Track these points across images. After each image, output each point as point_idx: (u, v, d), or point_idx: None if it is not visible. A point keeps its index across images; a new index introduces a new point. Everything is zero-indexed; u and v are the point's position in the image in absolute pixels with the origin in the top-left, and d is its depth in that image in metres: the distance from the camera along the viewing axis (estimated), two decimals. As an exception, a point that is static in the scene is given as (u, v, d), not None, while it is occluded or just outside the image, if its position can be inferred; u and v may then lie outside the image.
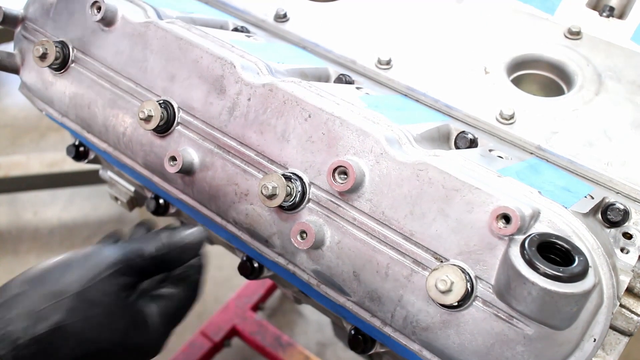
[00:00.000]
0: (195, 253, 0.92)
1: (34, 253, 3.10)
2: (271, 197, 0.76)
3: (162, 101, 0.90)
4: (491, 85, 1.03)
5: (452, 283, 0.66)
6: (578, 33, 1.09)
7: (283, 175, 0.78)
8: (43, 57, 0.99)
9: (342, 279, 0.78)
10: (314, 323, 2.83)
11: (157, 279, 0.94)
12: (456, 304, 0.66)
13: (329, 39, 1.14)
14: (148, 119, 0.88)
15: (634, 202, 0.85)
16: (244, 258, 1.10)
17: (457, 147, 0.96)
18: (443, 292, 0.65)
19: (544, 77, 1.09)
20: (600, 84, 1.01)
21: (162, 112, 0.89)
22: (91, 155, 1.32)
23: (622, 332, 0.79)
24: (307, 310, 2.85)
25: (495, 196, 0.67)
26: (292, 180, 0.78)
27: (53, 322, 0.75)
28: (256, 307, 2.67)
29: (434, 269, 0.68)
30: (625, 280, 0.73)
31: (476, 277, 0.67)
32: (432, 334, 0.71)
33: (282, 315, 2.87)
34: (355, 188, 0.75)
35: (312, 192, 0.79)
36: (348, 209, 0.76)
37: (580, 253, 0.61)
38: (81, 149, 1.30)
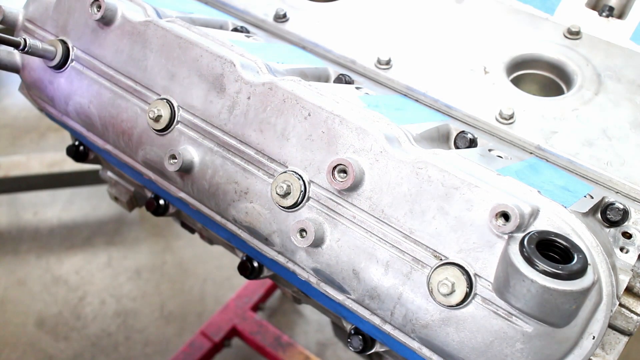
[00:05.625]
0: None
1: (34, 253, 3.10)
2: (285, 195, 0.78)
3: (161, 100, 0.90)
4: (491, 85, 1.03)
5: (453, 284, 0.66)
6: (577, 33, 1.09)
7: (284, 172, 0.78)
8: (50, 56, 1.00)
9: (341, 277, 0.78)
10: (314, 323, 2.84)
11: None
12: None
13: (329, 39, 1.14)
14: (157, 118, 0.89)
15: (633, 202, 0.85)
16: (244, 258, 1.11)
17: (456, 147, 0.96)
18: (445, 295, 0.66)
19: (544, 77, 1.09)
20: (600, 83, 1.01)
21: (162, 111, 0.89)
22: (91, 156, 1.32)
23: (622, 332, 0.79)
24: (307, 310, 2.85)
25: (495, 194, 0.67)
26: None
27: None
28: (256, 307, 2.68)
29: (434, 270, 0.68)
30: (624, 279, 0.73)
31: (475, 274, 0.67)
32: (432, 331, 0.71)
33: (282, 315, 2.87)
34: (355, 186, 0.75)
35: (311, 190, 0.79)
36: (348, 207, 0.76)
37: (579, 251, 0.61)
38: (81, 149, 1.31)
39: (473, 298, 0.67)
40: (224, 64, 0.87)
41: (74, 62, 1.01)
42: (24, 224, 3.26)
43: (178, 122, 0.90)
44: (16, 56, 1.09)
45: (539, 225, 0.66)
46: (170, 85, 0.91)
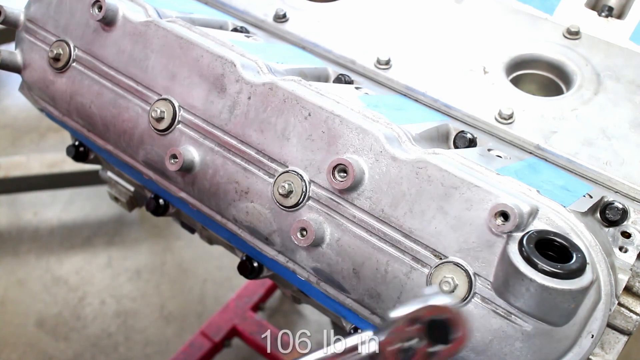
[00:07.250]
0: None
1: (34, 253, 3.10)
2: (288, 195, 0.78)
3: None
4: (490, 85, 1.03)
5: (453, 283, 0.67)
6: (577, 33, 1.09)
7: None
8: (56, 59, 1.00)
9: (341, 276, 0.78)
10: (314, 323, 2.84)
11: None
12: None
13: (329, 39, 1.14)
14: (160, 119, 0.89)
15: (632, 201, 0.86)
16: (244, 258, 1.11)
17: (456, 147, 0.96)
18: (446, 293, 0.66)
19: (543, 77, 1.09)
20: (599, 83, 1.01)
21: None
22: (91, 156, 1.32)
23: (621, 331, 0.79)
24: (307, 310, 2.85)
25: (494, 193, 0.67)
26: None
27: None
28: (256, 307, 2.68)
29: (433, 270, 0.69)
30: (623, 278, 0.73)
31: (475, 274, 0.68)
32: (431, 330, 0.71)
33: (282, 315, 2.88)
34: (355, 186, 0.75)
35: (312, 190, 0.79)
36: (348, 206, 0.77)
37: (578, 250, 0.62)
38: (81, 149, 1.31)
39: (472, 297, 0.68)
40: (225, 64, 0.87)
41: (75, 62, 1.02)
42: (24, 224, 3.26)
43: (179, 122, 0.91)
44: (17, 56, 1.09)
45: (538, 225, 0.66)
46: (171, 86, 0.91)
